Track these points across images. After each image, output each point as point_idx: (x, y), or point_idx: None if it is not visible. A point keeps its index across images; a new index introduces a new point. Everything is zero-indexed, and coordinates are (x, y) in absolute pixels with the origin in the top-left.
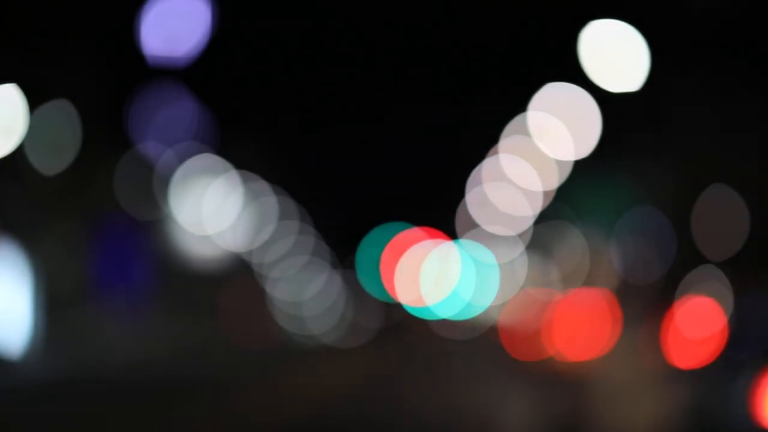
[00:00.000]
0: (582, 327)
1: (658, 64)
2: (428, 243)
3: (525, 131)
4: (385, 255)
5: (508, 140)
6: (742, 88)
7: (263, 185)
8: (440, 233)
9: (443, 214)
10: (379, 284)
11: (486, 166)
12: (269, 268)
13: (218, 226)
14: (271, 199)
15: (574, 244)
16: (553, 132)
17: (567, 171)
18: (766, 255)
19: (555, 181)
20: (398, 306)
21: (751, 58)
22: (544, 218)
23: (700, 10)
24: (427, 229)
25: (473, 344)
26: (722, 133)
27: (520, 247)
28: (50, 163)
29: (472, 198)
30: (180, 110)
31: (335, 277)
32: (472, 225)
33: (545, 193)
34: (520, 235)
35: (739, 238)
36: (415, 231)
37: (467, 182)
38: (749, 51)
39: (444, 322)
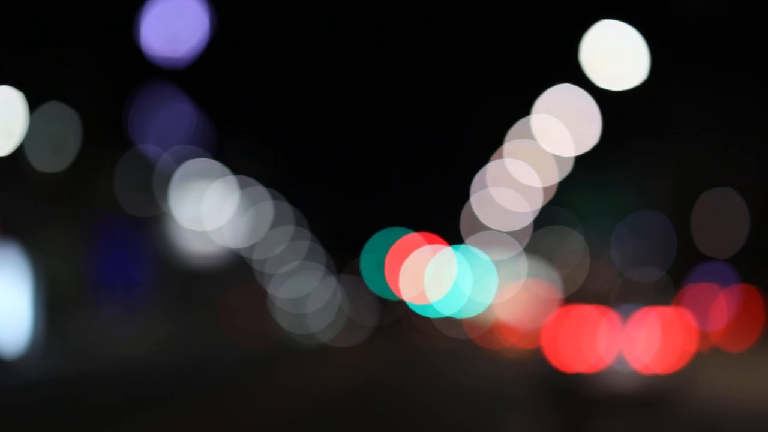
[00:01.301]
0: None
1: (659, 65)
2: (429, 248)
3: (529, 134)
4: (389, 258)
5: (512, 143)
6: (742, 88)
7: (260, 189)
8: (439, 238)
9: (444, 219)
10: (385, 284)
11: (490, 169)
12: (268, 267)
13: (217, 223)
14: (267, 204)
15: (574, 246)
16: (556, 132)
17: (568, 167)
18: (767, 254)
19: (556, 176)
20: (401, 304)
21: (752, 59)
22: (544, 223)
23: (701, 11)
24: (427, 234)
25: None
26: (722, 134)
27: (521, 250)
28: (50, 163)
29: (476, 200)
30: (179, 113)
31: (333, 278)
32: (477, 226)
33: (546, 189)
34: (521, 237)
35: (739, 238)
36: (416, 236)
37: (472, 184)
38: (750, 52)
39: (446, 320)
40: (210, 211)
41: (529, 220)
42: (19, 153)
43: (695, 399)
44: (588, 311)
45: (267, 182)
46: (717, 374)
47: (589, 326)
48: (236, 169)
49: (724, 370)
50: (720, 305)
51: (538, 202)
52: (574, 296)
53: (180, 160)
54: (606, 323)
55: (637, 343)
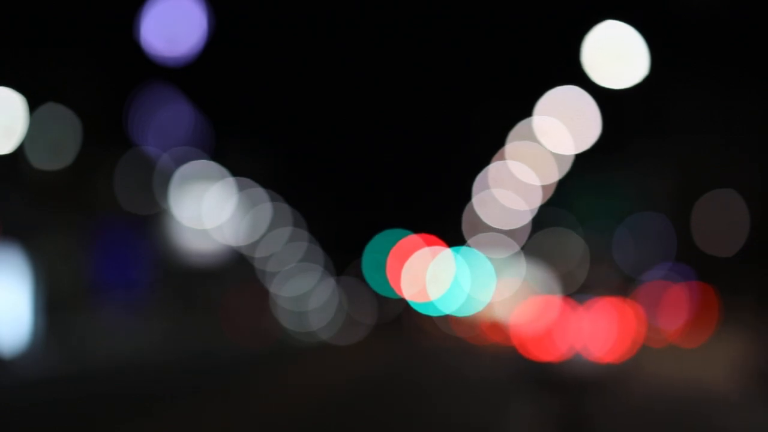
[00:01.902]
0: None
1: (659, 65)
2: (429, 249)
3: (530, 135)
4: (390, 258)
5: (513, 144)
6: (742, 88)
7: (259, 191)
8: (439, 240)
9: (445, 220)
10: (386, 283)
11: (492, 170)
12: (270, 265)
13: (217, 221)
14: (266, 205)
15: (574, 246)
16: (557, 133)
17: (567, 167)
18: (766, 254)
19: (555, 174)
20: (401, 302)
21: (752, 59)
22: (544, 224)
23: (701, 11)
24: (426, 235)
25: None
26: (722, 134)
27: (520, 249)
28: (50, 163)
29: (478, 201)
30: (178, 113)
31: (332, 279)
32: (478, 226)
33: (545, 187)
34: (520, 236)
35: (739, 238)
36: (415, 238)
37: (474, 185)
38: (750, 52)
39: (445, 318)
40: (210, 209)
41: (527, 218)
42: (19, 153)
43: (644, 386)
44: (553, 304)
45: (266, 183)
46: (669, 366)
47: (554, 318)
48: (235, 170)
49: (676, 362)
50: (676, 304)
51: (537, 201)
52: (572, 295)
53: (179, 161)
54: (569, 315)
55: (591, 333)
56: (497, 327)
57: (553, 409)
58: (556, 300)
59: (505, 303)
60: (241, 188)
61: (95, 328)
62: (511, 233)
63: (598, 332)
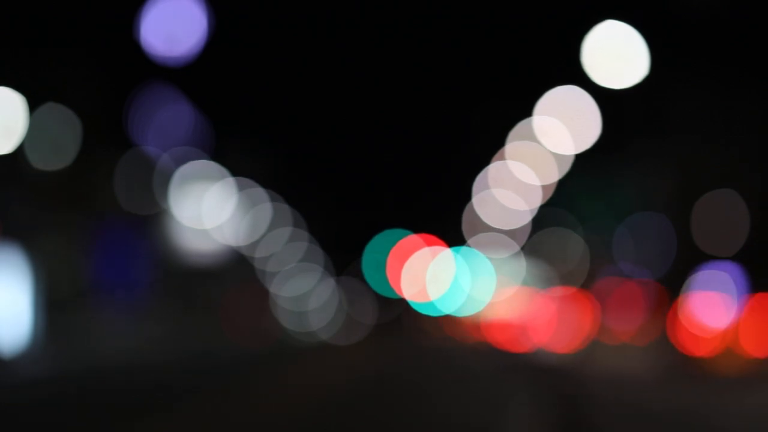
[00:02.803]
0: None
1: (659, 65)
2: (429, 249)
3: (530, 135)
4: (390, 258)
5: (513, 144)
6: (742, 88)
7: (259, 191)
8: (439, 240)
9: (445, 220)
10: (386, 283)
11: (492, 170)
12: (270, 265)
13: (217, 221)
14: (266, 205)
15: (573, 247)
16: (557, 133)
17: (568, 167)
18: (766, 253)
19: (555, 174)
20: (401, 302)
21: (752, 59)
22: (544, 224)
23: (701, 11)
24: (426, 236)
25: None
26: (722, 134)
27: (520, 249)
28: (50, 164)
29: (478, 201)
30: (178, 113)
31: (332, 280)
32: (478, 227)
33: (545, 187)
34: (521, 236)
35: (739, 237)
36: (415, 237)
37: (474, 185)
38: (750, 52)
39: (445, 318)
40: (210, 209)
41: (527, 218)
42: (19, 153)
43: (596, 374)
44: (534, 299)
45: (266, 183)
46: (620, 360)
47: (527, 314)
48: (235, 170)
49: (625, 358)
50: (631, 303)
51: (537, 201)
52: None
53: (179, 161)
54: (538, 310)
55: (552, 327)
56: (488, 325)
57: (552, 410)
58: (538, 295)
59: (505, 303)
60: (241, 188)
61: (95, 328)
62: (511, 233)
63: (557, 326)
